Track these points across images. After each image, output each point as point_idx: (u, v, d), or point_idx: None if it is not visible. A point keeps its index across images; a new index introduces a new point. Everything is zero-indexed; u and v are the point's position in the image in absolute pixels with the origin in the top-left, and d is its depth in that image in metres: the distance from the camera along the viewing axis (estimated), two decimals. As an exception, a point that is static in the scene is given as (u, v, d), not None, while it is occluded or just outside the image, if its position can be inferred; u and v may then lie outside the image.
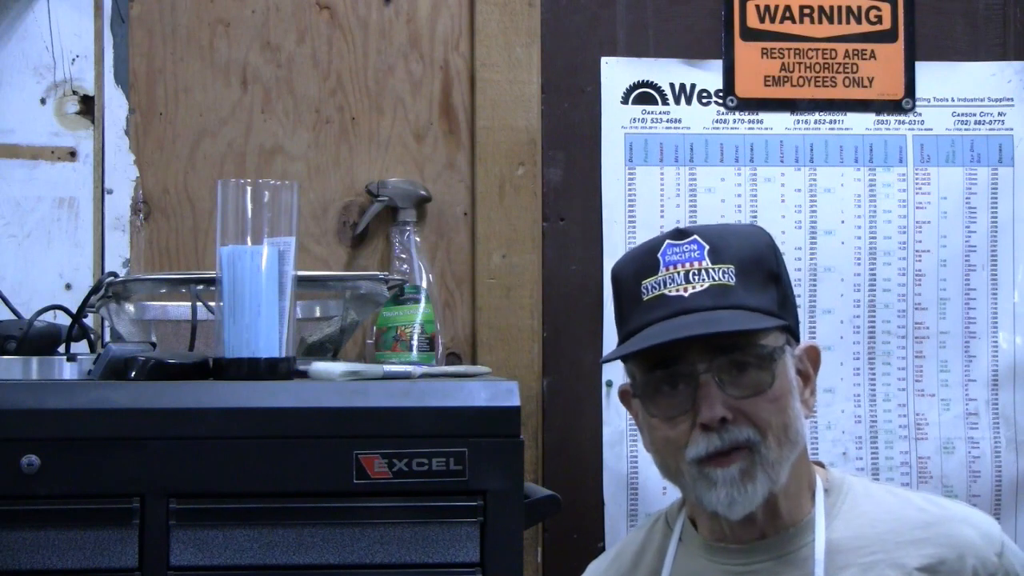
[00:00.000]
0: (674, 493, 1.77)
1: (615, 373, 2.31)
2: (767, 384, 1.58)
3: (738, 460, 1.56)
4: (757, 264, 1.62)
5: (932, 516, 1.65)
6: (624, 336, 1.65)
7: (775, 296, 1.63)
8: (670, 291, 1.60)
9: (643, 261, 1.64)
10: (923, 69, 2.42)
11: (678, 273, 1.60)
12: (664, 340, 1.56)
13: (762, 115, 2.39)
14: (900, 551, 1.61)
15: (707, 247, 1.61)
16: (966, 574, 1.60)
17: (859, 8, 2.41)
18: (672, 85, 2.38)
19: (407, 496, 1.64)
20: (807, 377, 1.67)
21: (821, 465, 1.72)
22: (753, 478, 1.56)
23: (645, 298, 1.61)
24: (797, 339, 1.66)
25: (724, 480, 1.56)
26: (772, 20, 2.40)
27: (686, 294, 1.59)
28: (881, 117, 2.41)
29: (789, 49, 2.40)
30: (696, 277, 1.60)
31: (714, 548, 1.67)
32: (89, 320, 2.00)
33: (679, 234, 1.63)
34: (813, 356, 1.69)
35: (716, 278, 1.59)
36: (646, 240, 1.69)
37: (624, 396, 1.72)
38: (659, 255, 1.62)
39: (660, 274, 1.61)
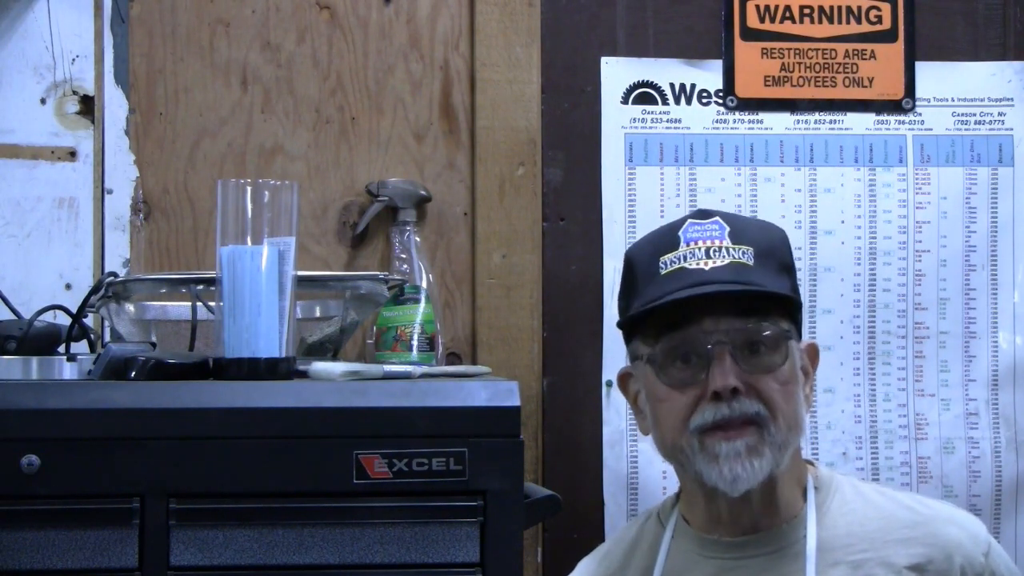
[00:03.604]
0: (672, 492, 1.77)
1: (615, 373, 2.31)
2: (778, 364, 1.60)
3: (746, 435, 1.57)
4: (773, 253, 1.65)
5: (920, 516, 1.66)
6: (637, 308, 1.65)
7: (788, 285, 1.66)
8: (690, 264, 1.62)
9: (662, 239, 1.66)
10: (923, 69, 2.42)
11: (699, 248, 1.63)
12: (691, 295, 1.57)
13: (762, 115, 2.39)
14: (889, 549, 1.62)
15: (728, 228, 1.64)
16: (954, 573, 1.61)
17: (859, 8, 2.41)
18: (672, 85, 2.38)
19: (407, 496, 1.64)
20: (807, 373, 1.69)
21: (811, 463, 1.73)
22: (760, 454, 1.57)
23: (663, 272, 1.63)
24: (800, 336, 1.68)
25: (728, 454, 1.57)
26: (772, 20, 2.40)
27: (706, 267, 1.61)
28: (881, 117, 2.41)
29: (789, 49, 2.40)
30: (716, 253, 1.62)
31: (706, 542, 1.67)
32: (89, 320, 2.00)
33: (702, 214, 1.66)
34: (812, 354, 1.71)
35: (736, 256, 1.62)
36: (662, 225, 1.72)
37: (622, 379, 1.73)
38: (680, 232, 1.65)
39: (680, 249, 1.63)
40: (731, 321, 1.59)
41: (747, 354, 1.59)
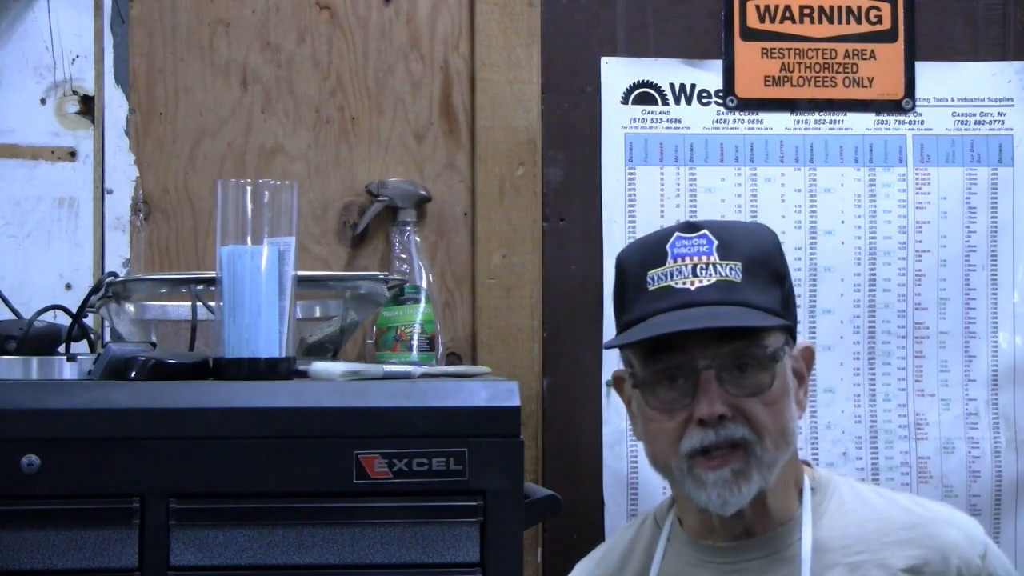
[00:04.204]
0: (671, 493, 1.77)
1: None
2: (766, 385, 1.59)
3: (732, 461, 1.57)
4: (763, 263, 1.63)
5: (918, 517, 1.65)
6: (625, 324, 1.65)
7: (779, 296, 1.63)
8: (676, 283, 1.60)
9: (651, 251, 1.64)
10: (923, 69, 2.42)
11: (685, 266, 1.61)
12: (670, 331, 1.56)
13: (762, 115, 2.39)
14: (886, 551, 1.61)
15: (716, 242, 1.61)
16: (950, 575, 1.60)
17: (859, 8, 2.41)
18: (672, 85, 2.38)
19: (407, 496, 1.64)
20: (801, 377, 1.67)
21: (808, 464, 1.73)
22: (748, 478, 1.57)
23: (650, 288, 1.62)
24: (795, 339, 1.67)
25: (716, 481, 1.57)
26: (772, 20, 2.40)
27: (692, 287, 1.60)
28: (881, 117, 2.41)
29: (789, 49, 2.40)
30: (703, 271, 1.60)
31: (702, 546, 1.67)
32: (89, 320, 2.00)
33: (689, 227, 1.64)
34: (808, 356, 1.69)
35: (723, 274, 1.60)
36: (654, 231, 1.70)
37: (617, 381, 1.73)
38: (667, 247, 1.62)
39: (667, 265, 1.62)
40: (717, 346, 1.57)
41: (734, 376, 1.58)
